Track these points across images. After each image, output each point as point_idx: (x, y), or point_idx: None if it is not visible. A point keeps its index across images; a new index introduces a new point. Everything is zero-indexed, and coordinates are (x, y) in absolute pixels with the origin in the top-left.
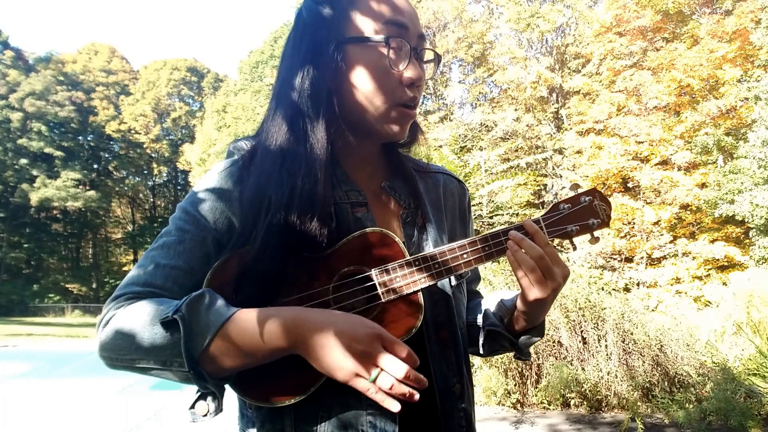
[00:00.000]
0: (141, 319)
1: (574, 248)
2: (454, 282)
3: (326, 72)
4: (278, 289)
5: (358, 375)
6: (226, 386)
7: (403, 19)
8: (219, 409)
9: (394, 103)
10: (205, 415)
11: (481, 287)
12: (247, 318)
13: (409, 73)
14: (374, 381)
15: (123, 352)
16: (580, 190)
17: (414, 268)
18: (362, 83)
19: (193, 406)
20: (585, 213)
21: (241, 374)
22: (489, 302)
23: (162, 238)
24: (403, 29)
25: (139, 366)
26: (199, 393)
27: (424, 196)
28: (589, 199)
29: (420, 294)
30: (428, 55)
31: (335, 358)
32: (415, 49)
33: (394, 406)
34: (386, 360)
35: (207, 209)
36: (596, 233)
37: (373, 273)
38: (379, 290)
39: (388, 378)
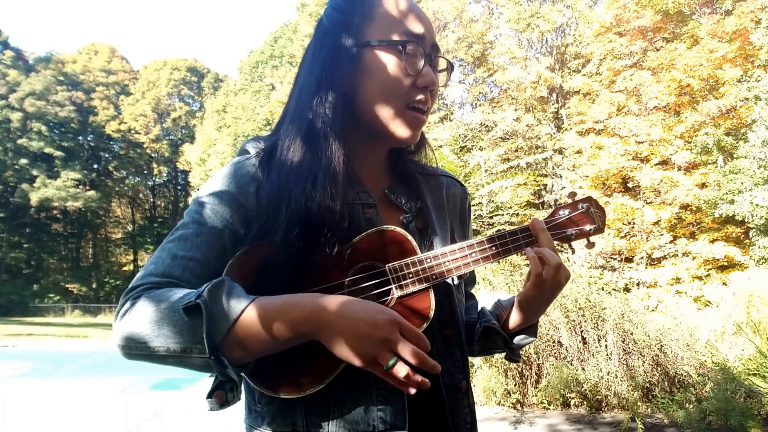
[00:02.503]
0: (162, 306)
1: (573, 251)
2: (456, 281)
3: (344, 75)
4: (296, 282)
5: (376, 362)
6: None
7: (419, 29)
8: (237, 398)
9: (406, 105)
10: (223, 404)
11: (481, 287)
12: (267, 304)
13: (423, 77)
14: (390, 369)
15: (142, 341)
16: (577, 198)
17: (426, 265)
18: (378, 86)
19: (210, 396)
20: (582, 219)
21: (257, 365)
22: (485, 302)
23: (179, 230)
24: (419, 37)
25: (158, 354)
26: (215, 383)
27: (427, 200)
28: (586, 206)
29: (431, 291)
30: (441, 63)
31: (356, 345)
32: (429, 56)
33: (411, 390)
34: (403, 348)
35: (223, 203)
36: (592, 238)
37: (387, 269)
38: (393, 285)
39: (403, 368)
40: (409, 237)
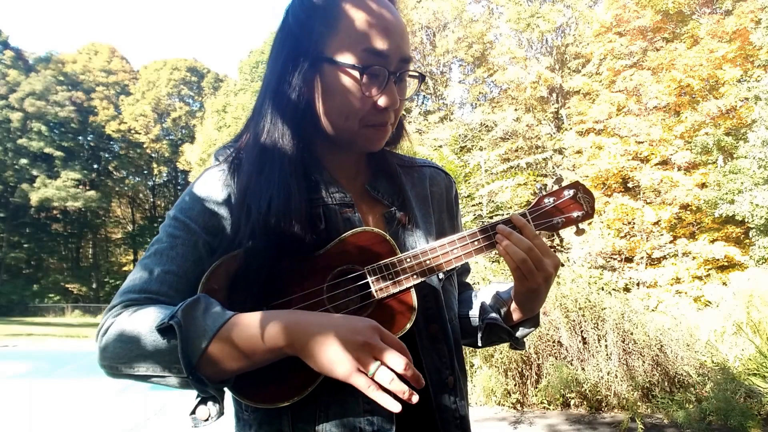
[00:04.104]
0: (139, 325)
1: (561, 240)
2: (441, 276)
3: (302, 84)
4: (272, 290)
5: (358, 370)
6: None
7: (384, 48)
8: (220, 413)
9: (365, 124)
10: (207, 419)
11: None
12: (244, 321)
13: (382, 100)
14: (373, 375)
15: (123, 360)
16: (563, 184)
17: (406, 265)
18: (335, 103)
19: (194, 412)
20: (569, 205)
21: (238, 376)
22: (484, 295)
23: (154, 245)
24: (383, 58)
25: (140, 373)
26: (199, 398)
27: (409, 192)
28: (573, 192)
29: (413, 291)
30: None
31: (334, 354)
32: (394, 74)
33: (395, 407)
34: (385, 353)
35: (195, 214)
36: (581, 225)
37: (366, 271)
38: (373, 288)
39: (388, 372)
40: (387, 237)
